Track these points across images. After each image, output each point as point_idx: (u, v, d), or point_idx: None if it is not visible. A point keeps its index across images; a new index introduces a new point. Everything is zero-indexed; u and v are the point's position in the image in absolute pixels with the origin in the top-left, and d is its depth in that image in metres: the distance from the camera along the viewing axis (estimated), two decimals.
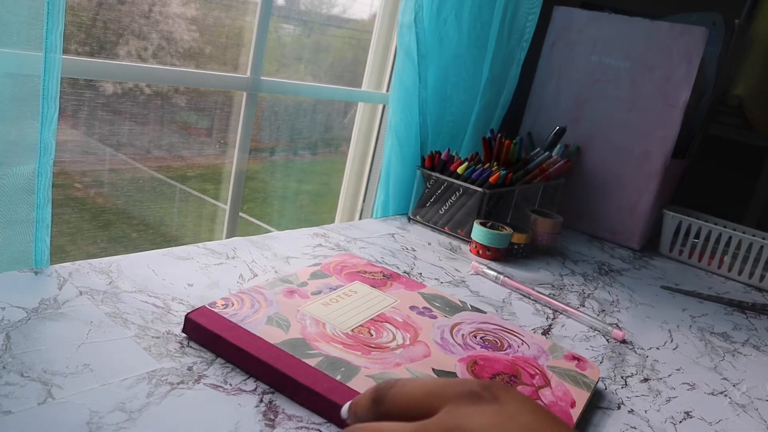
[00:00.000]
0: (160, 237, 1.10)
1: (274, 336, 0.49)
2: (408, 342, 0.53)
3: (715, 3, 1.17)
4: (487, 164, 1.00)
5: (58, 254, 0.94)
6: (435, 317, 0.59)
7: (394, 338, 0.53)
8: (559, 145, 1.16)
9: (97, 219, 1.00)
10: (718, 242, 1.07)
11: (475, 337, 0.56)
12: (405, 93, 1.04)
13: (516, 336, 0.58)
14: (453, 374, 0.48)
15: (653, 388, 0.60)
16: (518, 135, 1.22)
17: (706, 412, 0.58)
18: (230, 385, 0.46)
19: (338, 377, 0.45)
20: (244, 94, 1.03)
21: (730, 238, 1.06)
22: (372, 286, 0.63)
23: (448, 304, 0.63)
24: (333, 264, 0.68)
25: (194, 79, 0.96)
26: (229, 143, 1.09)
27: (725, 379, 0.66)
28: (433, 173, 1.00)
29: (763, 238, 1.04)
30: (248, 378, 0.48)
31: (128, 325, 0.52)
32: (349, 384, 0.45)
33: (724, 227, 1.08)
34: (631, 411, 0.55)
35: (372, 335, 0.53)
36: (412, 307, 0.60)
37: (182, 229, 1.15)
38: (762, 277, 1.04)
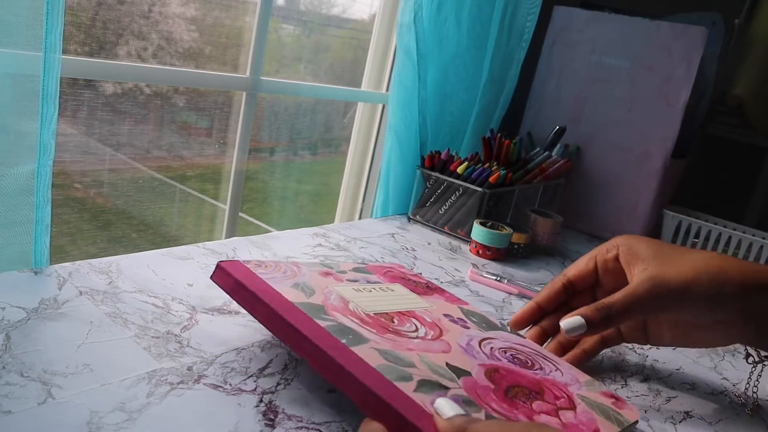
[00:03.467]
0: (160, 237, 1.10)
1: (294, 296, 0.49)
2: (429, 337, 0.50)
3: (715, 3, 1.17)
4: (487, 164, 1.00)
5: (58, 254, 0.94)
6: (468, 327, 0.56)
7: (416, 330, 0.51)
8: (559, 145, 1.16)
9: (96, 219, 1.00)
10: (718, 242, 1.07)
11: (505, 352, 0.52)
12: (405, 93, 1.04)
13: (551, 362, 0.53)
14: (468, 374, 0.45)
15: (653, 388, 0.60)
16: (518, 135, 1.22)
17: (706, 412, 0.58)
18: (230, 385, 0.46)
19: (344, 341, 0.44)
20: (244, 94, 1.03)
21: (730, 238, 1.06)
22: (412, 291, 0.61)
23: (486, 321, 0.59)
24: (379, 266, 0.67)
25: (194, 79, 0.96)
26: (229, 143, 1.09)
27: (725, 379, 0.66)
28: (432, 173, 1.00)
29: (763, 238, 1.04)
30: (248, 378, 0.48)
31: (128, 325, 0.52)
32: (354, 349, 0.43)
33: (724, 227, 1.08)
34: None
35: (394, 322, 0.51)
36: (446, 315, 0.57)
37: (182, 229, 1.15)
38: None
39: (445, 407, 0.36)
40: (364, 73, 1.26)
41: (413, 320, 0.53)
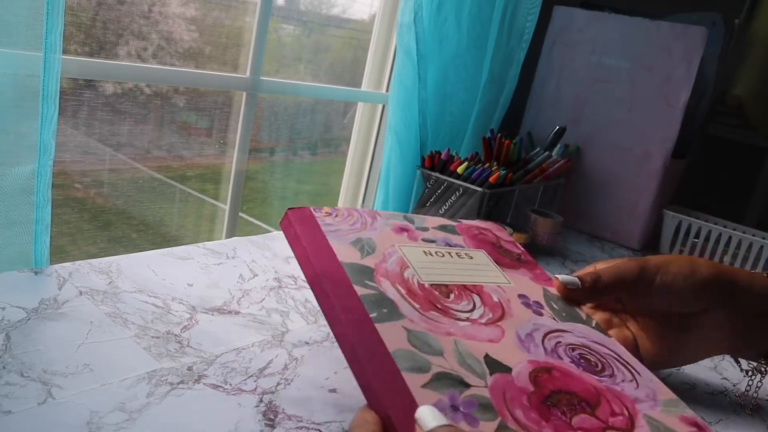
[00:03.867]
0: (160, 237, 1.10)
1: (347, 255, 0.45)
2: (484, 320, 0.43)
3: (715, 3, 1.17)
4: (487, 164, 1.00)
5: (58, 254, 0.94)
6: (540, 314, 0.47)
7: (472, 310, 0.44)
8: (559, 145, 1.16)
9: (97, 219, 1.00)
10: (718, 242, 1.07)
11: (573, 350, 0.43)
12: (405, 93, 1.04)
13: (630, 370, 0.43)
14: (508, 371, 0.38)
15: None
16: (518, 135, 1.22)
17: (706, 412, 0.58)
18: (230, 385, 0.46)
19: (373, 314, 0.39)
20: (244, 94, 1.03)
21: (730, 238, 1.06)
22: (497, 261, 0.52)
23: (568, 311, 0.49)
24: (472, 227, 0.58)
25: (194, 79, 0.96)
26: (229, 143, 1.09)
27: (725, 379, 0.66)
28: (433, 173, 1.00)
29: (763, 238, 1.04)
30: (248, 378, 0.48)
31: (128, 325, 0.52)
32: (380, 326, 0.38)
33: (724, 227, 1.08)
34: None
35: (449, 298, 0.44)
36: (521, 295, 0.48)
37: (182, 229, 1.15)
38: None
39: (427, 416, 0.32)
40: (364, 73, 1.26)
41: (475, 297, 0.46)
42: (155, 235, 1.09)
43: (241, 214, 1.13)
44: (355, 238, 0.48)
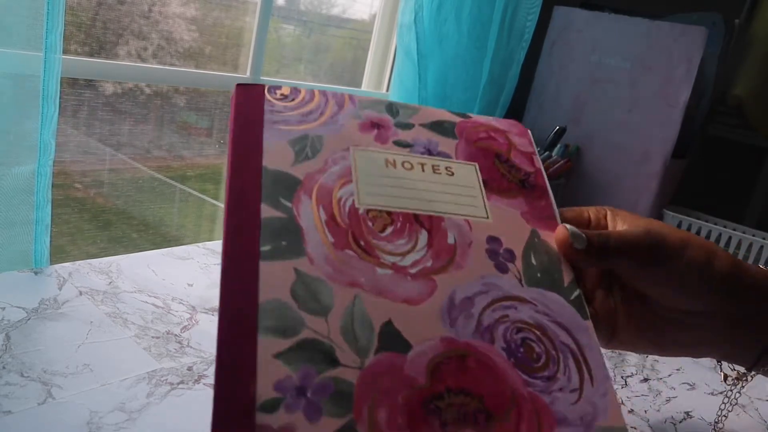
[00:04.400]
0: (160, 237, 1.10)
1: (275, 158, 0.34)
2: (414, 270, 0.31)
3: (715, 3, 1.17)
4: None
5: (58, 254, 0.94)
6: (503, 271, 0.34)
7: (408, 253, 0.32)
8: (559, 145, 1.16)
9: (97, 219, 1.00)
10: (718, 242, 1.07)
11: (518, 332, 0.31)
12: (405, 93, 1.04)
13: (582, 374, 0.31)
14: (404, 350, 0.28)
15: (653, 388, 0.60)
16: None
17: (706, 412, 0.58)
18: None
19: (265, 248, 0.29)
20: None
21: (730, 238, 1.06)
22: (485, 182, 0.38)
23: (548, 271, 0.35)
24: (479, 126, 0.42)
25: (194, 79, 0.96)
26: None
27: None
28: None
29: (763, 238, 1.04)
30: None
31: (128, 325, 0.52)
32: (265, 263, 0.29)
33: (724, 227, 1.08)
34: (631, 411, 0.55)
35: (384, 232, 0.33)
36: (491, 239, 0.35)
37: (182, 229, 1.15)
38: None
39: None
40: (364, 74, 1.26)
41: (421, 234, 0.33)
42: (155, 235, 1.09)
43: None
44: (300, 135, 0.36)
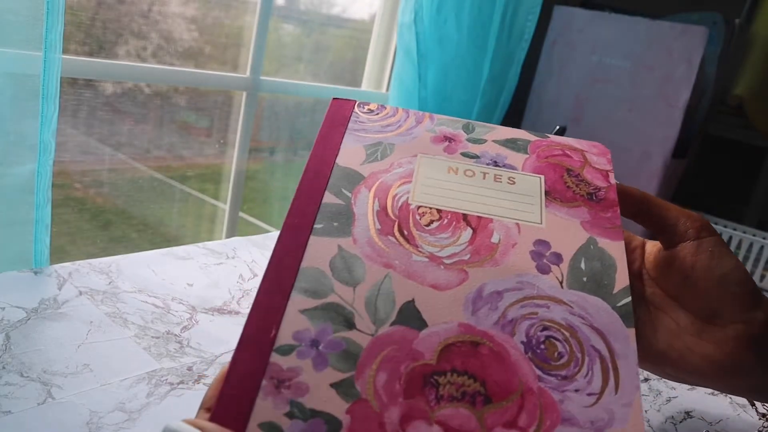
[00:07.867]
0: (160, 237, 1.10)
1: (349, 158, 0.38)
2: (450, 261, 0.32)
3: (715, 3, 1.17)
4: None
5: (58, 254, 0.94)
6: (545, 272, 0.33)
7: (449, 245, 0.33)
8: None
9: (96, 219, 1.00)
10: None
11: (543, 329, 0.31)
12: (405, 93, 1.04)
13: (608, 381, 0.30)
14: (421, 325, 0.29)
15: (653, 388, 0.60)
16: None
17: (706, 412, 0.58)
18: None
19: (319, 225, 0.33)
20: (244, 93, 1.03)
21: (730, 238, 1.06)
22: (548, 192, 0.38)
23: (598, 277, 0.34)
24: (555, 146, 0.42)
25: (194, 79, 0.96)
26: (229, 143, 1.09)
27: None
28: None
29: (764, 238, 1.04)
30: None
31: (128, 325, 0.52)
32: (315, 238, 0.32)
33: (724, 227, 1.08)
34: None
35: (430, 225, 0.34)
36: (539, 242, 0.35)
37: (182, 229, 1.15)
38: (762, 277, 1.04)
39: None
40: (364, 73, 1.26)
41: (466, 231, 0.34)
42: (155, 235, 1.09)
43: (241, 213, 1.13)
44: (375, 141, 0.39)
